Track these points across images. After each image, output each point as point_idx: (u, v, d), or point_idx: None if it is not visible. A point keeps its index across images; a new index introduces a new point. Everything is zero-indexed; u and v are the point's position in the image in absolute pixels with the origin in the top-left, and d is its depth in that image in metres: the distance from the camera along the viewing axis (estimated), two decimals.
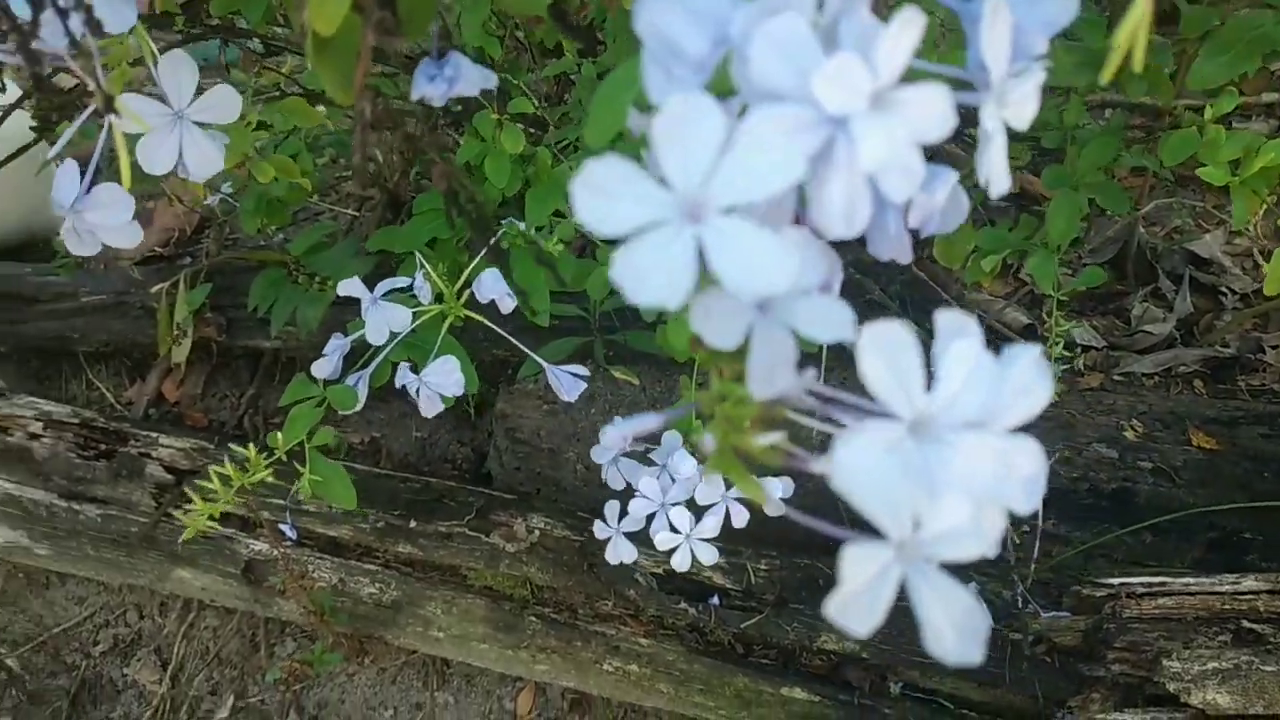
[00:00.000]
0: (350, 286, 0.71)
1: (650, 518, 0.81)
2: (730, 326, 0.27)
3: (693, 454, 0.77)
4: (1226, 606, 0.99)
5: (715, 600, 1.12)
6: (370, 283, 0.75)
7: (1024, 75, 0.29)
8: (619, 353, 1.19)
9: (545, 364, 0.79)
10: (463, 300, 0.76)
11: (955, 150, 1.15)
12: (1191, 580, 1.00)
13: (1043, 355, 0.29)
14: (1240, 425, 1.22)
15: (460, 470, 1.43)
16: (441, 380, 0.70)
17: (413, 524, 1.18)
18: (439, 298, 0.74)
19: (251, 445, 0.79)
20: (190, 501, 0.77)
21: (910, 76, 0.32)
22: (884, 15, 0.26)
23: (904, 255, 0.35)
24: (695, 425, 0.75)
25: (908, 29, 0.25)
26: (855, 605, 0.25)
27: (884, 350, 0.26)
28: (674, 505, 0.79)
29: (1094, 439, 1.20)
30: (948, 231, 0.36)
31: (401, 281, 0.75)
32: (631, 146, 0.29)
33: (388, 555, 1.19)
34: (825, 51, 0.26)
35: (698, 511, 0.82)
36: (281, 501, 1.17)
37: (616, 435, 0.30)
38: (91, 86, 0.39)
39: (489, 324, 0.78)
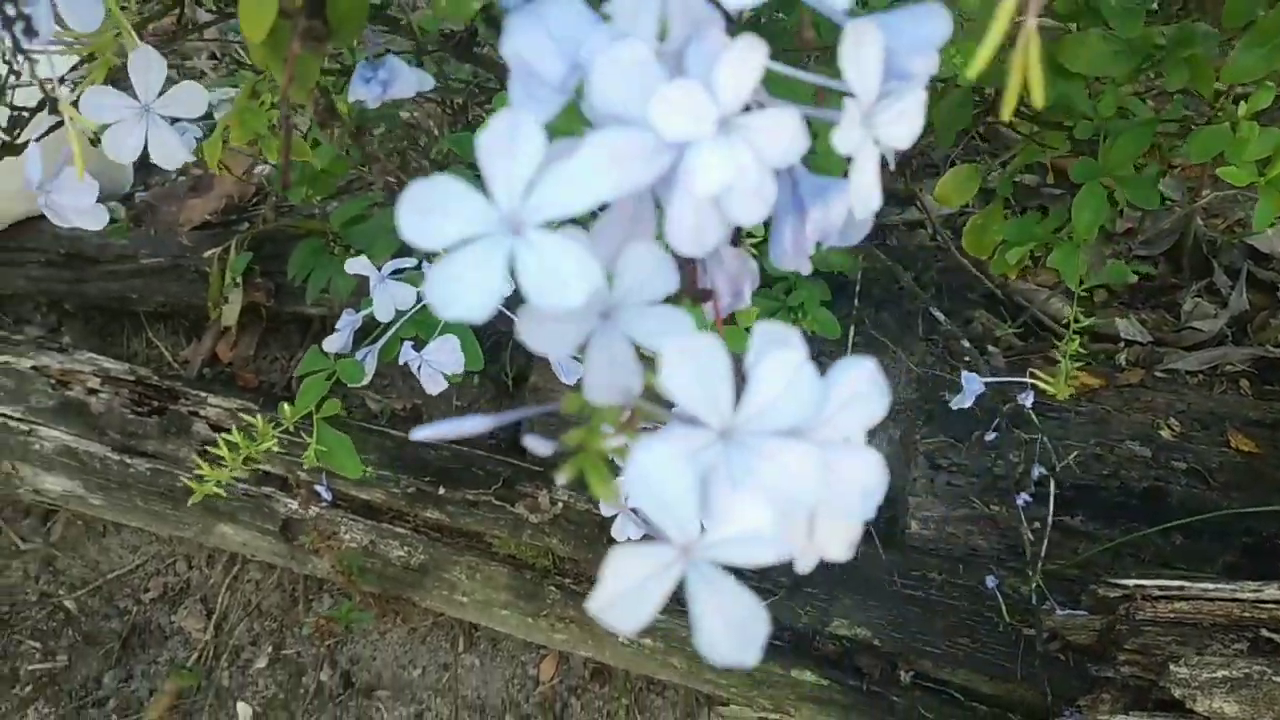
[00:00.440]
0: (357, 265, 0.74)
1: None
2: (559, 336, 0.28)
3: None
4: (1246, 614, 0.97)
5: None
6: (403, 256, 0.78)
7: (898, 94, 0.29)
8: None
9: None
10: None
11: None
12: (1211, 585, 0.98)
13: (878, 368, 0.29)
14: None
15: (497, 440, 1.46)
16: (442, 358, 0.72)
17: (442, 490, 1.22)
18: None
19: (284, 405, 0.83)
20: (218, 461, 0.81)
21: (787, 88, 0.33)
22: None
23: (803, 267, 0.36)
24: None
25: (748, 57, 0.26)
26: (620, 604, 0.26)
27: (690, 361, 0.27)
28: None
29: (1127, 436, 1.18)
30: (850, 244, 0.36)
31: (410, 261, 0.77)
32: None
33: (417, 520, 1.23)
34: (674, 76, 0.27)
35: None
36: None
37: (422, 436, 0.31)
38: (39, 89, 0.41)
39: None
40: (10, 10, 0.37)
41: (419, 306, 0.76)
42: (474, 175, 0.27)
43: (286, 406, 0.76)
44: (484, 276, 0.25)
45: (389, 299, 0.73)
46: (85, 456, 1.29)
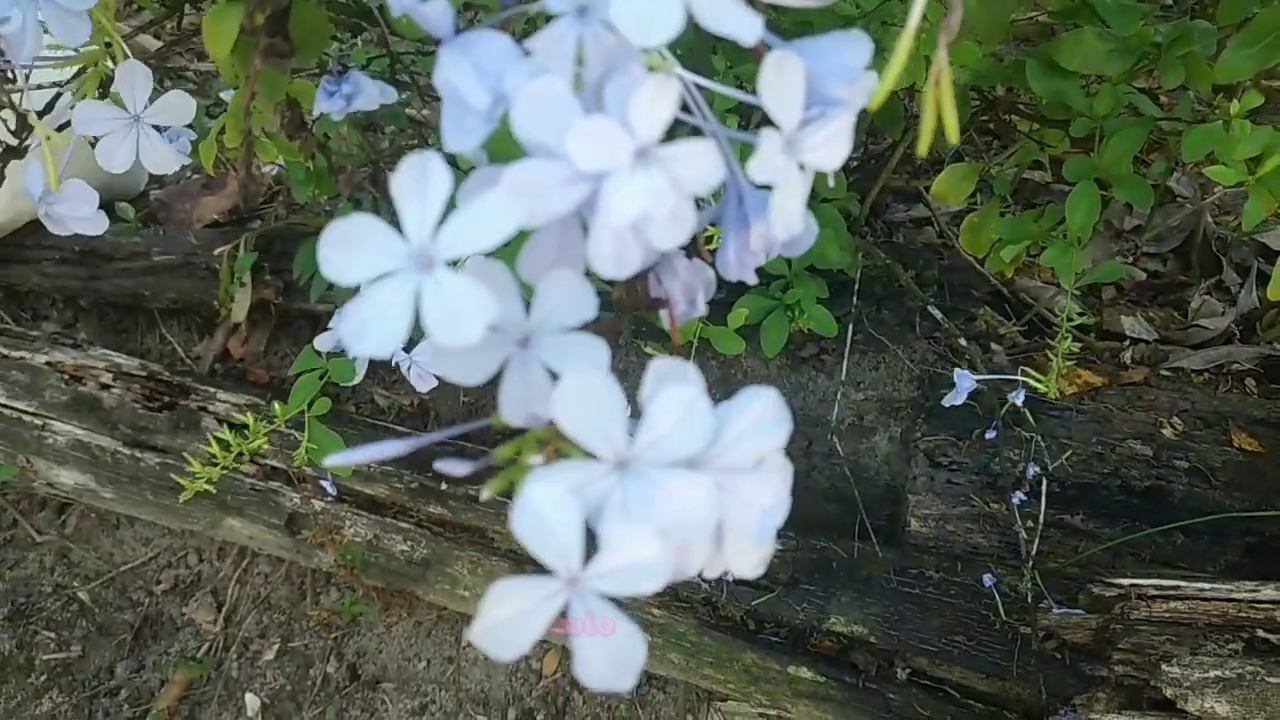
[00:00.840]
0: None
1: None
2: (472, 365, 0.29)
3: None
4: (1243, 614, 0.96)
5: (729, 576, 1.14)
6: None
7: (825, 119, 0.30)
8: (650, 329, 1.21)
9: None
10: None
11: None
12: (1207, 585, 0.98)
13: (778, 398, 0.30)
14: None
15: (506, 435, 1.47)
16: (428, 359, 0.73)
17: (444, 486, 1.23)
18: None
19: (276, 405, 0.84)
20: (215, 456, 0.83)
21: (724, 106, 0.33)
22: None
23: (749, 278, 0.36)
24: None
25: (663, 92, 0.26)
26: (500, 632, 0.27)
27: (582, 397, 0.27)
28: None
29: (1129, 435, 1.17)
30: (798, 255, 0.37)
31: None
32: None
33: (420, 515, 1.24)
34: (593, 106, 0.27)
35: None
36: None
37: (338, 462, 0.32)
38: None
39: None
40: None
41: None
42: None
43: (278, 405, 0.78)
44: (392, 314, 0.26)
45: None
46: (97, 451, 1.31)
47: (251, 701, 1.32)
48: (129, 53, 0.55)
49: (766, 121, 0.31)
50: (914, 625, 1.09)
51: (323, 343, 0.78)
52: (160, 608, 1.41)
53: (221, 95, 1.33)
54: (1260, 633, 0.95)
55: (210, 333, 1.53)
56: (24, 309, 1.55)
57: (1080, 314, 1.38)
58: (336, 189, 1.18)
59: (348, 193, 0.44)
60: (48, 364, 1.36)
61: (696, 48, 0.29)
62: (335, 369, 0.77)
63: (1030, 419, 1.08)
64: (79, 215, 0.56)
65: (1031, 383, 0.94)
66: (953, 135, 0.28)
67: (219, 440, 0.77)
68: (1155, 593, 0.98)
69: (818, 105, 0.30)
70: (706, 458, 0.29)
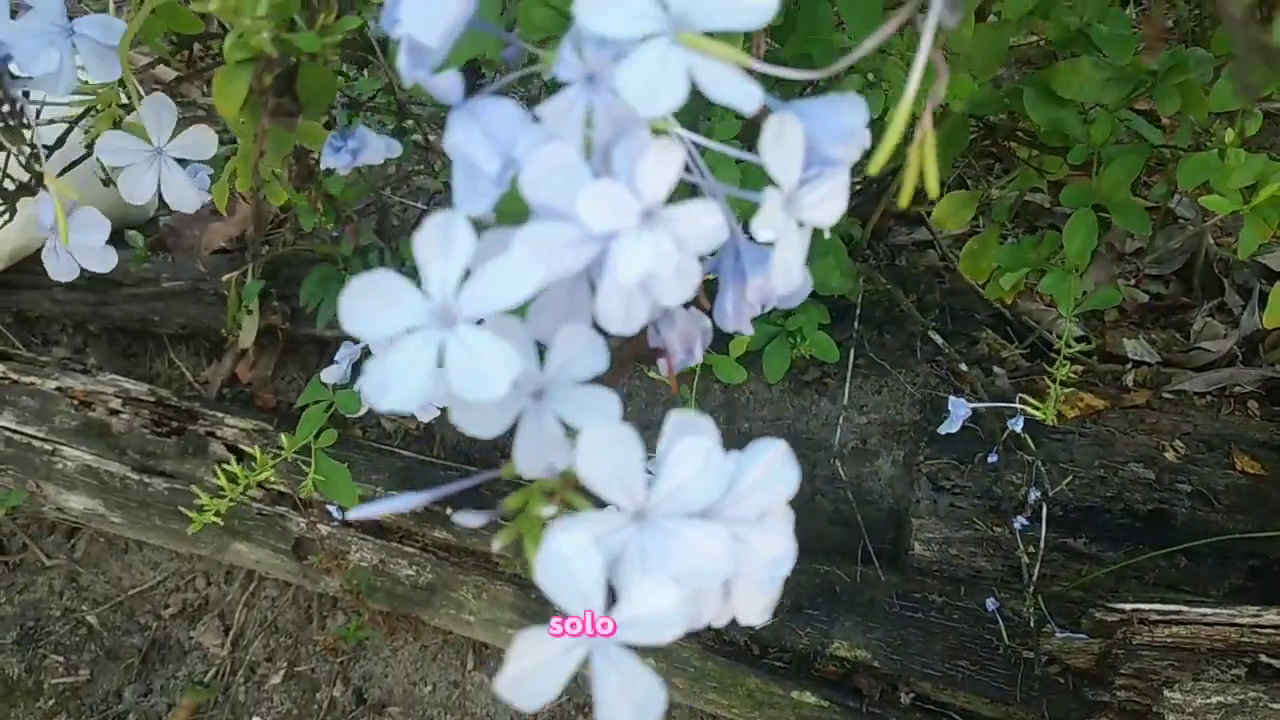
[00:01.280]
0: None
1: None
2: (491, 419, 0.30)
3: None
4: (1245, 639, 0.97)
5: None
6: None
7: (822, 179, 0.31)
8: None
9: None
10: None
11: None
12: (1209, 610, 0.98)
13: (787, 450, 0.31)
14: None
15: (513, 485, 1.48)
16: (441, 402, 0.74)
17: (449, 511, 1.24)
18: None
19: (284, 436, 0.85)
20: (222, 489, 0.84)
21: (720, 166, 0.34)
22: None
23: (745, 329, 0.37)
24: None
25: (668, 156, 0.28)
26: (525, 683, 0.28)
27: (604, 451, 0.28)
28: None
29: (1131, 458, 1.18)
30: (793, 306, 0.38)
31: None
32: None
33: (425, 539, 1.25)
34: (601, 169, 0.28)
35: None
36: None
37: (356, 516, 0.33)
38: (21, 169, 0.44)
39: None
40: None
41: None
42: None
43: (285, 438, 0.79)
44: (415, 370, 0.27)
45: None
46: (106, 476, 1.32)
47: None
48: (142, 90, 0.56)
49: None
50: (917, 650, 1.10)
51: (329, 375, 0.79)
52: (168, 632, 1.41)
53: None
54: (1263, 658, 0.95)
55: (218, 358, 1.55)
56: (34, 334, 1.56)
57: (1081, 338, 1.38)
58: (350, 220, 1.20)
59: (354, 243, 0.45)
60: (57, 389, 1.37)
61: (696, 109, 0.30)
62: (342, 401, 0.78)
63: (1031, 444, 1.09)
64: (90, 245, 0.57)
65: (1030, 410, 0.95)
66: (933, 191, 0.29)
67: (226, 473, 0.78)
68: (1158, 618, 0.99)
69: (816, 165, 0.31)
70: (719, 508, 0.30)
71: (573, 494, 0.33)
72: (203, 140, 0.57)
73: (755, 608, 0.31)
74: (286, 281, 1.40)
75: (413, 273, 0.30)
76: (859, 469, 1.25)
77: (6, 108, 0.41)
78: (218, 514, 0.78)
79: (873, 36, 0.32)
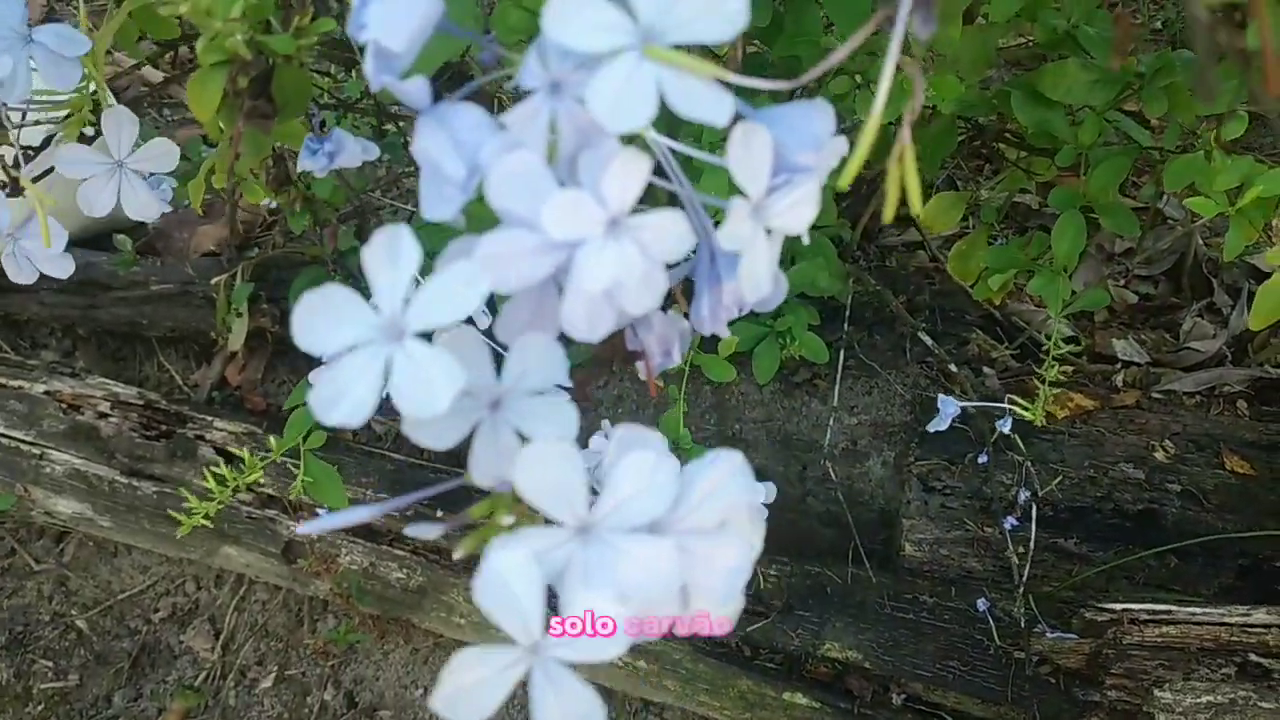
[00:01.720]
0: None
1: None
2: (444, 431, 0.29)
3: None
4: (1235, 639, 0.97)
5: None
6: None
7: (791, 186, 0.31)
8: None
9: None
10: None
11: None
12: (1199, 610, 0.98)
13: (742, 460, 0.30)
14: None
15: (462, 486, 1.47)
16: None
17: (439, 514, 1.24)
18: None
19: (271, 439, 0.85)
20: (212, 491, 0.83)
21: (696, 170, 0.34)
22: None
23: (721, 332, 0.37)
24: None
25: (633, 166, 0.27)
26: (461, 700, 0.27)
27: (542, 466, 0.28)
28: None
29: (1121, 458, 1.18)
30: (770, 309, 0.38)
31: None
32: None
33: (416, 542, 1.25)
34: (567, 177, 0.28)
35: None
36: None
37: (314, 529, 0.33)
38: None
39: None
40: None
41: None
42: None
43: (274, 440, 0.78)
44: (362, 385, 0.26)
45: None
46: (94, 479, 1.32)
47: None
48: (119, 94, 0.55)
49: None
50: (908, 650, 1.10)
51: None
52: (158, 636, 1.41)
53: None
54: (1253, 657, 0.95)
55: (207, 361, 1.54)
56: (22, 338, 1.56)
57: (1071, 338, 1.39)
58: (327, 223, 1.19)
59: (332, 245, 0.45)
60: (46, 393, 1.37)
61: (674, 115, 0.30)
62: None
63: (1021, 444, 1.09)
64: (47, 254, 0.57)
65: (1019, 410, 0.95)
66: (915, 207, 0.29)
67: (215, 476, 0.78)
68: (1148, 617, 0.99)
69: (785, 172, 0.31)
70: (670, 521, 0.29)
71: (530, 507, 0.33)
72: (165, 153, 0.56)
73: (715, 619, 0.31)
74: (276, 284, 1.40)
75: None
76: (849, 470, 1.25)
77: None
78: (207, 517, 0.78)
79: (850, 40, 0.32)
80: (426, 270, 0.28)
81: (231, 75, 0.35)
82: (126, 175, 0.57)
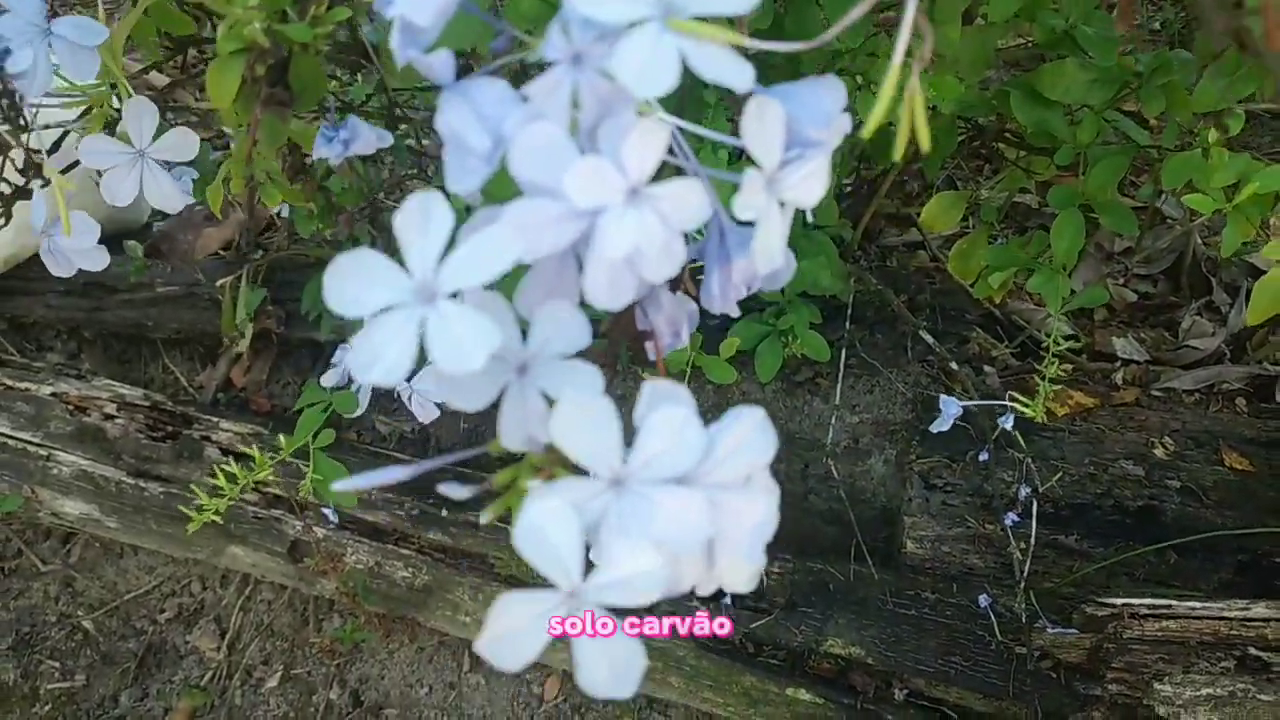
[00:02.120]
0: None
1: None
2: (474, 392, 0.30)
3: None
4: (1234, 632, 0.98)
5: (727, 600, 1.16)
6: None
7: (803, 160, 0.32)
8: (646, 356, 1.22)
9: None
10: None
11: None
12: (1198, 604, 0.99)
13: (764, 416, 0.31)
14: (1279, 447, 1.19)
15: (505, 461, 1.48)
16: (430, 389, 0.75)
17: (444, 512, 1.25)
18: None
19: (282, 437, 0.86)
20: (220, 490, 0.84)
21: (704, 152, 0.35)
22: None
23: (731, 310, 0.38)
24: None
25: (652, 136, 0.28)
26: (504, 644, 0.28)
27: (578, 419, 0.29)
28: None
29: (1121, 455, 1.19)
30: (777, 289, 0.39)
31: None
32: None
33: (421, 541, 1.25)
34: (587, 147, 0.29)
35: None
36: None
37: (342, 487, 0.34)
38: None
39: None
40: None
41: None
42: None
43: (284, 438, 0.79)
44: (399, 344, 0.27)
45: None
46: (101, 481, 1.32)
47: None
48: (133, 91, 0.57)
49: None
50: (911, 646, 1.11)
51: (328, 379, 0.80)
52: (164, 636, 1.41)
53: (225, 129, 1.35)
54: (1252, 650, 0.96)
55: (212, 362, 1.55)
56: (28, 340, 1.57)
57: (1071, 336, 1.40)
58: (337, 224, 1.20)
59: (347, 232, 0.46)
60: (52, 395, 1.38)
61: (685, 92, 0.31)
62: (340, 402, 0.79)
63: (1021, 441, 1.10)
64: (80, 248, 0.58)
65: (1019, 408, 0.96)
66: (924, 143, 0.30)
67: (226, 473, 0.79)
68: (1148, 612, 1.00)
69: (797, 147, 0.32)
70: (697, 475, 0.30)
71: (559, 468, 0.34)
72: (185, 142, 0.58)
73: (739, 574, 0.32)
74: (281, 286, 1.41)
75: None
76: (852, 468, 1.26)
77: (6, 101, 0.42)
78: (217, 513, 0.78)
79: (847, 15, 0.33)
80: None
81: (249, 63, 0.36)
82: (148, 165, 0.58)
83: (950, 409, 0.97)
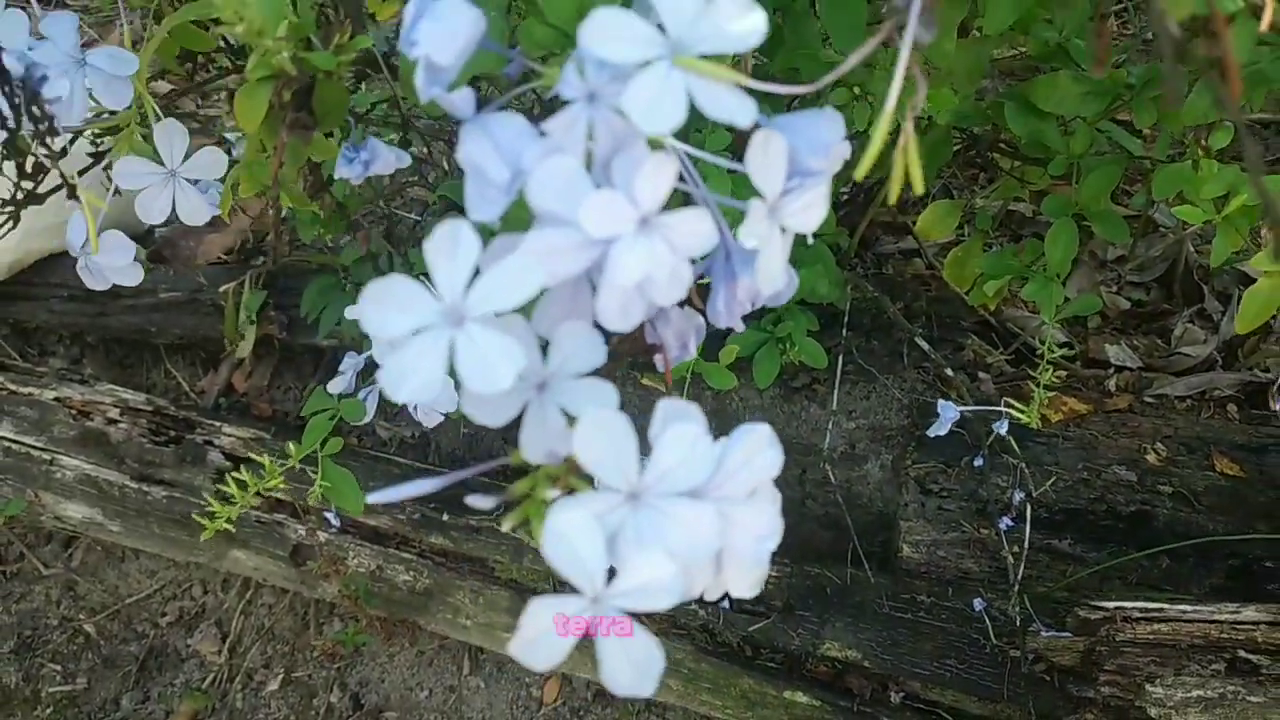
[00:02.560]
0: (356, 311, 0.78)
1: None
2: (498, 409, 0.32)
3: None
4: (1224, 635, 0.99)
5: (725, 603, 1.17)
6: None
7: (803, 189, 0.33)
8: (647, 364, 1.24)
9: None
10: None
11: None
12: (1189, 608, 1.01)
13: (771, 433, 0.33)
14: (1269, 452, 1.21)
15: (504, 467, 1.50)
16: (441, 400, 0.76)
17: (445, 517, 1.26)
18: None
19: (290, 445, 0.87)
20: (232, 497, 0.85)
21: (707, 175, 0.36)
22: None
23: (737, 325, 0.40)
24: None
25: (662, 169, 0.30)
26: (536, 646, 0.30)
27: (599, 435, 0.30)
28: None
29: (1114, 461, 1.21)
30: (781, 305, 0.40)
31: None
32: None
33: (422, 545, 1.27)
34: (602, 179, 0.31)
35: None
36: None
37: (378, 499, 0.35)
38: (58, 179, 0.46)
39: None
40: (36, 111, 0.42)
41: None
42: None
43: (292, 446, 0.80)
44: (428, 365, 0.29)
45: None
46: (104, 485, 1.34)
47: None
48: (159, 110, 0.58)
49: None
50: (907, 649, 1.12)
51: (335, 386, 0.81)
52: (165, 639, 1.43)
53: (226, 135, 1.36)
54: (1242, 653, 0.98)
55: (214, 367, 1.56)
56: (31, 345, 1.58)
57: (1064, 343, 1.41)
58: (344, 229, 1.22)
59: (365, 249, 0.48)
60: (56, 400, 1.39)
61: (689, 123, 0.32)
62: (347, 409, 0.80)
63: (1016, 447, 1.11)
64: (117, 265, 0.60)
65: (1014, 413, 0.98)
66: (918, 189, 0.32)
67: (237, 481, 0.80)
68: (1139, 615, 1.01)
69: (797, 176, 0.34)
70: (708, 488, 0.32)
71: (575, 479, 0.35)
72: (214, 161, 0.59)
73: (745, 581, 0.34)
74: (283, 291, 1.42)
75: (420, 279, 0.32)
76: (848, 473, 1.27)
77: (45, 125, 0.43)
78: (229, 521, 0.80)
79: (856, 53, 0.34)
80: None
81: (277, 89, 0.38)
82: (179, 183, 0.60)
83: (948, 413, 0.99)
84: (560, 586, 0.31)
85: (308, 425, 0.83)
